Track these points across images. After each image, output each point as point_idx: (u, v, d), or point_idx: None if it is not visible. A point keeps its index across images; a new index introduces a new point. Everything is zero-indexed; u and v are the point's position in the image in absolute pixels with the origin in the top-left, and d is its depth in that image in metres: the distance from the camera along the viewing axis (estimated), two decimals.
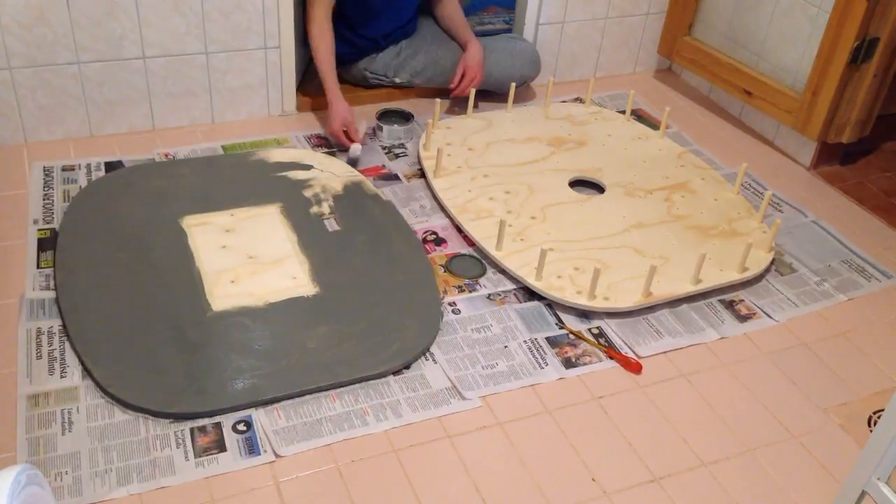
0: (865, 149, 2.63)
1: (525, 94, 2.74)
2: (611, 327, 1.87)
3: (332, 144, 2.40)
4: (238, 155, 2.31)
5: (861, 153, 2.62)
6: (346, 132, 2.34)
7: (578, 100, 2.75)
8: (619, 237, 2.08)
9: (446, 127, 2.46)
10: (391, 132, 2.42)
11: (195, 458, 1.50)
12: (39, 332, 1.71)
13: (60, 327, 1.72)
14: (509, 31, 2.89)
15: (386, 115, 2.45)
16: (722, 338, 1.88)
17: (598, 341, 1.83)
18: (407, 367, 1.72)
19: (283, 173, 2.21)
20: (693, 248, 2.05)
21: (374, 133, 2.45)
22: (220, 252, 1.93)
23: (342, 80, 2.60)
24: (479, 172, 2.28)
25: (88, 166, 2.21)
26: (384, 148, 2.41)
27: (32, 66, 2.18)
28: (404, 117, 2.47)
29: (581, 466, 1.56)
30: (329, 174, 2.23)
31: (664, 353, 1.83)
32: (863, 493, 1.31)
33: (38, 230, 1.98)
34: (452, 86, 2.52)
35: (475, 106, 2.55)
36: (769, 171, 2.50)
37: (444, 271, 1.98)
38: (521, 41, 2.69)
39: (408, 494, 1.48)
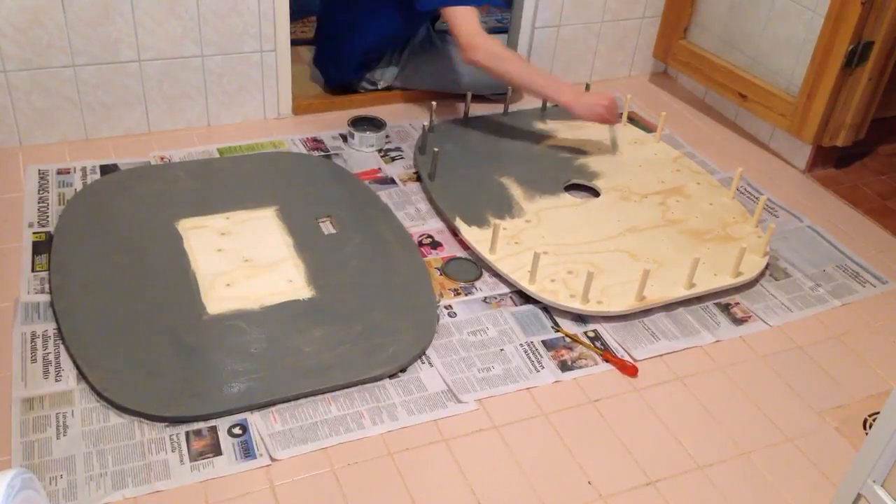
0: (860, 152, 2.64)
1: (521, 97, 2.74)
2: (607, 330, 1.87)
3: (328, 148, 2.40)
4: (234, 158, 2.31)
5: (856, 156, 2.63)
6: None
7: None
8: (614, 241, 2.08)
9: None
10: (363, 139, 2.40)
11: (190, 461, 1.50)
12: (34, 336, 1.70)
13: (55, 331, 1.72)
14: (505, 30, 2.89)
15: (358, 123, 2.44)
16: (717, 341, 1.89)
17: (594, 344, 1.83)
18: (403, 370, 1.72)
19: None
20: (687, 252, 2.06)
21: (344, 139, 2.44)
22: (215, 255, 1.93)
23: (339, 86, 2.62)
24: None
25: (84, 169, 2.20)
26: (380, 151, 2.41)
27: (27, 68, 2.17)
28: (376, 125, 2.46)
29: (577, 469, 1.56)
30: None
31: (660, 356, 1.83)
32: (858, 496, 1.32)
33: (34, 233, 1.98)
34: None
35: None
36: (764, 174, 2.51)
37: (440, 274, 1.98)
38: None
39: (404, 497, 1.48)
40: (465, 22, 2.24)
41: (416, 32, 2.58)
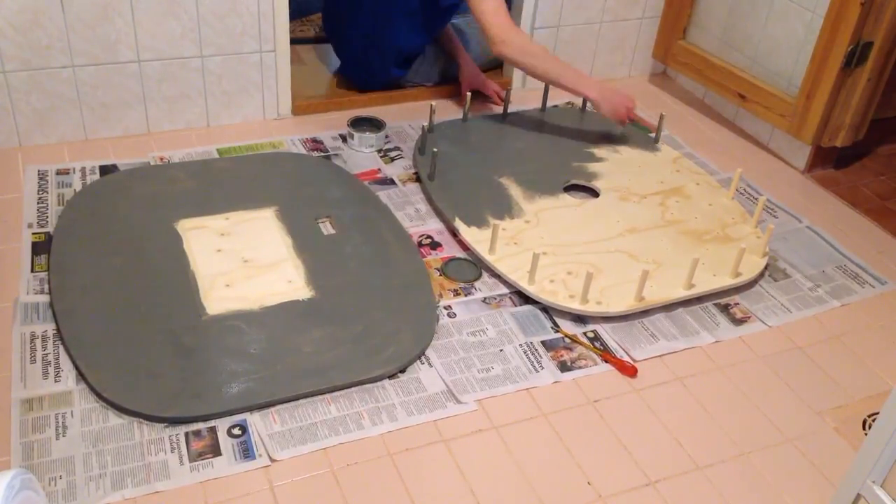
0: (860, 152, 2.64)
1: (519, 98, 2.74)
2: (606, 331, 1.87)
3: (327, 148, 2.40)
4: (233, 158, 2.31)
5: (855, 157, 2.63)
6: None
7: (569, 104, 2.75)
8: (613, 242, 2.08)
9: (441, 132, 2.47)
10: (363, 139, 2.41)
11: (190, 462, 1.50)
12: (33, 336, 1.70)
13: (54, 331, 1.72)
14: None
15: (357, 123, 2.44)
16: (717, 341, 1.89)
17: (593, 345, 1.83)
18: (402, 370, 1.72)
19: None
20: (686, 253, 2.06)
21: (344, 140, 2.44)
22: (215, 256, 1.93)
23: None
24: None
25: (83, 170, 2.20)
26: (380, 151, 2.41)
27: (27, 69, 2.17)
28: (376, 125, 2.46)
29: (576, 470, 1.56)
30: None
31: (659, 356, 1.83)
32: (858, 496, 1.32)
33: (33, 234, 1.98)
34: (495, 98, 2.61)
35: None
36: (763, 175, 2.51)
37: (440, 275, 1.98)
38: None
39: (403, 498, 1.48)
40: (495, 14, 2.27)
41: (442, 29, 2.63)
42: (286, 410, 1.61)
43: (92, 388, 1.59)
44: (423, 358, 1.75)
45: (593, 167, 2.37)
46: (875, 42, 2.31)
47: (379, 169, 2.34)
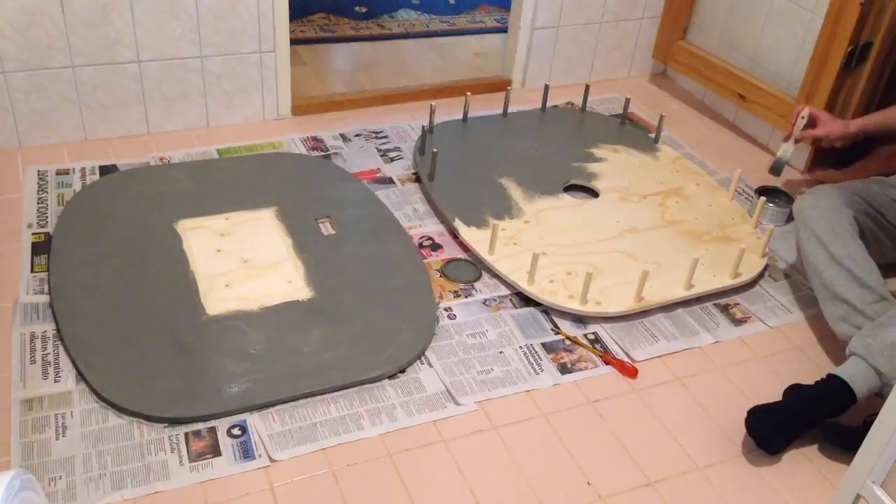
0: (860, 153, 2.64)
1: (519, 98, 2.74)
2: (606, 331, 1.87)
3: (327, 147, 2.40)
4: (233, 158, 2.31)
5: (855, 157, 2.63)
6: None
7: (570, 104, 2.75)
8: (613, 242, 2.08)
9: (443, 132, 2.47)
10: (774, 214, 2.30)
11: (189, 462, 1.50)
12: (33, 337, 1.70)
13: (54, 331, 1.72)
14: (503, 30, 2.89)
15: (766, 193, 2.31)
16: (717, 341, 1.89)
17: (594, 347, 1.83)
18: (402, 370, 1.72)
19: None
20: (686, 253, 2.06)
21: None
22: (214, 256, 1.93)
23: None
24: None
25: (83, 170, 2.20)
26: (379, 151, 2.41)
27: (27, 69, 2.17)
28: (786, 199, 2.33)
29: (576, 470, 1.56)
30: None
31: (659, 356, 1.83)
32: (858, 497, 1.32)
33: (33, 234, 1.97)
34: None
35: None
36: (763, 175, 2.50)
37: (440, 275, 1.98)
38: None
39: (403, 498, 1.48)
40: None
41: None
42: (286, 411, 1.61)
43: (91, 389, 1.59)
44: (422, 358, 1.75)
45: (593, 167, 2.37)
46: (875, 42, 2.31)
47: (378, 168, 2.34)
